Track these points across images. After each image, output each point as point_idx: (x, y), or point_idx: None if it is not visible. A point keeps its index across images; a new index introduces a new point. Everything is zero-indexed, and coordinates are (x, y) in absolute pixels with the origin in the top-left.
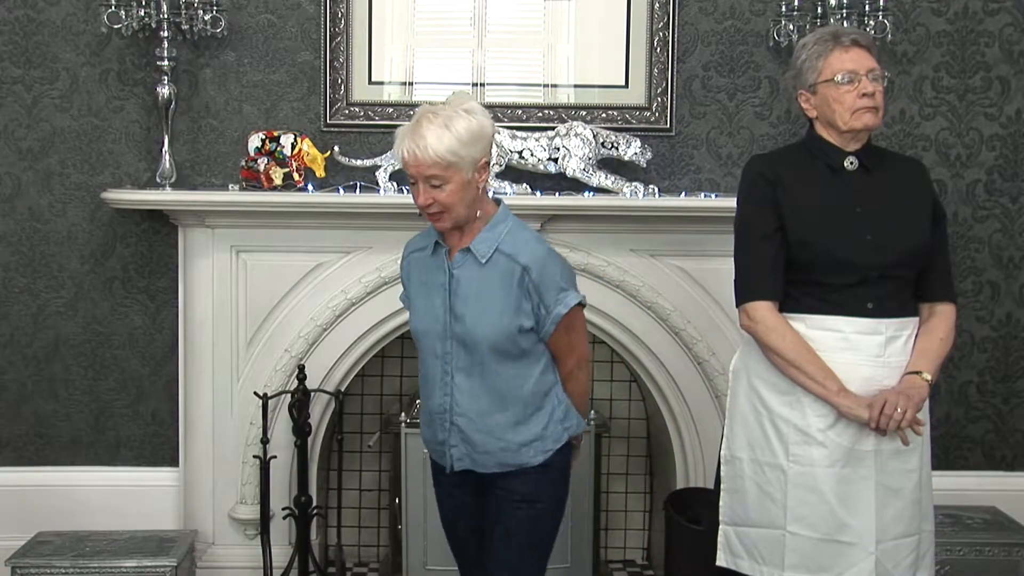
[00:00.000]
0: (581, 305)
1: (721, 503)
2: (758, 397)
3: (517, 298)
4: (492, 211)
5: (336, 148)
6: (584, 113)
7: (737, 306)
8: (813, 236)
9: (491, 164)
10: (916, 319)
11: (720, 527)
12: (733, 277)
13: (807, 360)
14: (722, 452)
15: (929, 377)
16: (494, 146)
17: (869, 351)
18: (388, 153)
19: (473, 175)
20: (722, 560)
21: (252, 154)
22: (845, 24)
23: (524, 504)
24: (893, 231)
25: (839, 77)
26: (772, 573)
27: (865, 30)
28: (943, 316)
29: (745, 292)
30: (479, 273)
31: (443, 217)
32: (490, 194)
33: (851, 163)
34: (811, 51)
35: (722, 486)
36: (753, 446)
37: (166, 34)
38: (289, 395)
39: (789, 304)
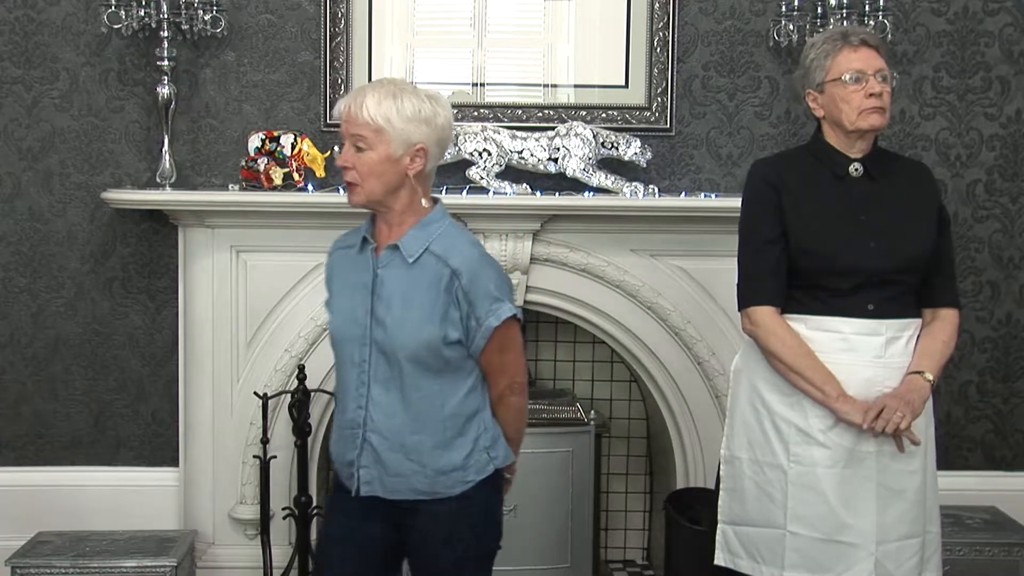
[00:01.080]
0: (517, 320)
1: (720, 502)
2: (759, 397)
3: (444, 305)
4: (427, 210)
5: (336, 148)
6: (584, 113)
7: (739, 310)
8: (815, 244)
9: (433, 160)
10: (918, 320)
11: (719, 526)
12: (736, 280)
13: (807, 365)
14: (722, 451)
15: (931, 377)
16: (494, 145)
17: (869, 352)
18: None
19: (404, 158)
20: (720, 559)
21: (252, 154)
22: (845, 24)
23: (445, 548)
24: (897, 238)
25: (847, 76)
26: (772, 573)
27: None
28: (946, 320)
29: (748, 296)
30: (406, 274)
31: (356, 190)
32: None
33: (856, 170)
34: (820, 50)
35: (721, 485)
36: (753, 446)
37: (166, 34)
38: (289, 395)
39: (790, 305)
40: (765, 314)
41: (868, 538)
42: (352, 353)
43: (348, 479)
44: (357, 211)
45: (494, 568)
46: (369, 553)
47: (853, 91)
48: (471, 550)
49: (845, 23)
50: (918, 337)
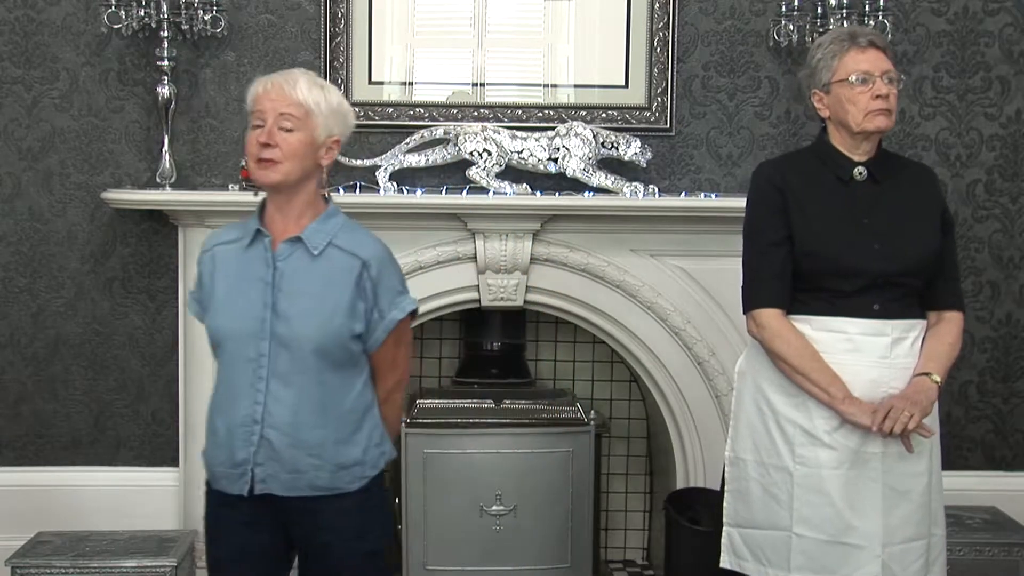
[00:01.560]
0: (414, 315)
1: (725, 504)
2: (764, 399)
3: (352, 298)
4: (325, 205)
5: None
6: (584, 113)
7: (744, 312)
8: (819, 246)
9: (334, 159)
10: (923, 321)
11: (724, 528)
12: (741, 282)
13: (812, 367)
14: (727, 453)
15: (939, 379)
16: (494, 145)
17: (875, 352)
18: (388, 153)
19: (321, 147)
20: (726, 562)
21: None
22: (845, 24)
23: (358, 542)
24: (900, 241)
25: (853, 78)
26: (778, 575)
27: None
28: (951, 323)
29: (752, 299)
30: (310, 266)
31: (276, 168)
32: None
33: (860, 174)
34: (827, 50)
35: (726, 487)
36: (759, 448)
37: (166, 34)
38: None
39: (795, 306)
40: (770, 316)
41: (874, 540)
42: (245, 349)
43: (234, 481)
44: (358, 211)
45: (494, 568)
46: (264, 564)
47: (859, 92)
48: (380, 542)
49: (845, 23)
50: (924, 339)
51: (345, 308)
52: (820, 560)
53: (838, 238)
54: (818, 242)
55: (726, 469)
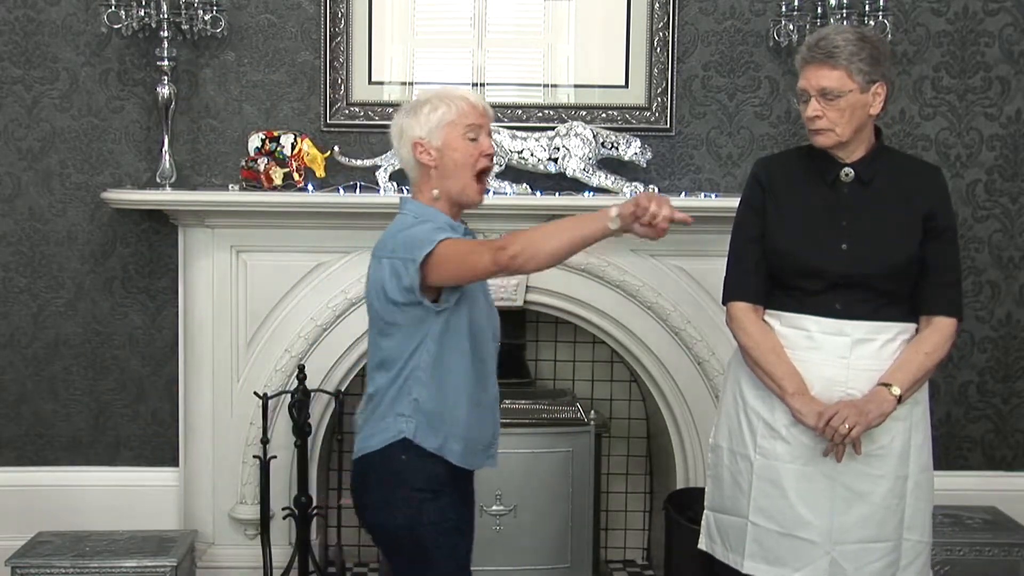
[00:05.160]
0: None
1: (706, 489)
2: (739, 389)
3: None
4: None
5: (336, 148)
6: (584, 113)
7: (723, 304)
8: (786, 245)
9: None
10: (898, 325)
11: (704, 512)
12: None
13: (769, 360)
14: (710, 440)
15: (898, 392)
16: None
17: (834, 351)
18: (388, 153)
19: None
20: (703, 544)
21: (252, 154)
22: (845, 23)
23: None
24: (874, 243)
25: (799, 95)
26: (736, 560)
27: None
28: (936, 329)
29: (728, 291)
30: None
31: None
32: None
33: (846, 175)
34: (798, 57)
35: (707, 473)
36: (731, 436)
37: (166, 34)
38: (289, 395)
39: (772, 301)
40: (739, 309)
41: (825, 536)
42: (493, 333)
43: (480, 458)
44: (358, 211)
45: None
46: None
47: (803, 109)
48: None
49: (845, 23)
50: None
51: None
52: (773, 551)
53: (806, 238)
54: (786, 241)
55: (709, 455)
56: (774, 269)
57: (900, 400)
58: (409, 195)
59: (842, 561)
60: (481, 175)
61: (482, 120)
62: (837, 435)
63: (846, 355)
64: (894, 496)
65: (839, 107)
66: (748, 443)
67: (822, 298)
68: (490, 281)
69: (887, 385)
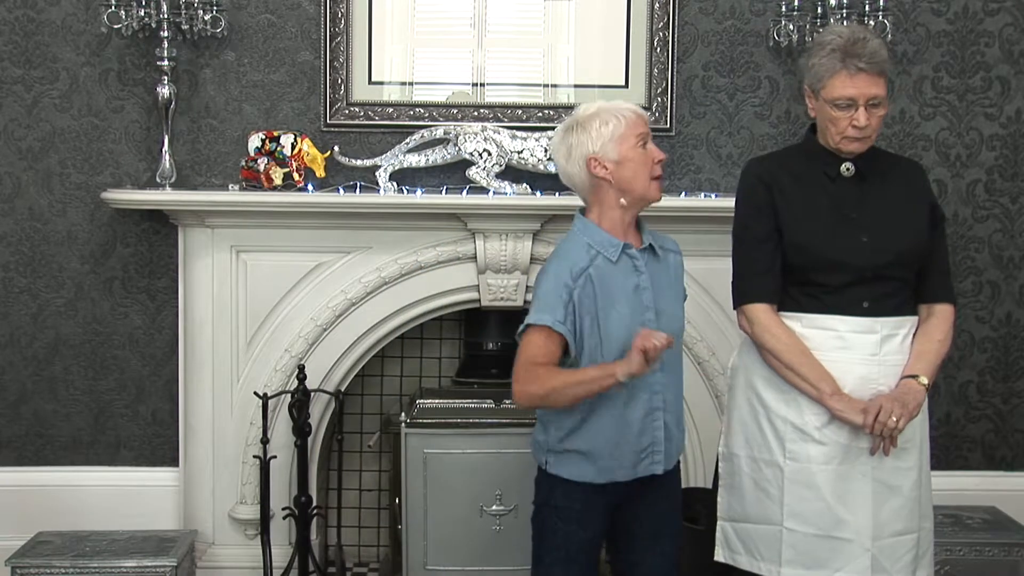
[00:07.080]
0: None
1: (719, 499)
2: (756, 395)
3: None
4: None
5: (336, 148)
6: None
7: (734, 308)
8: (808, 239)
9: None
10: (914, 318)
11: (718, 523)
12: (731, 279)
13: (801, 362)
14: (720, 449)
15: (926, 381)
16: (494, 145)
17: (864, 350)
18: (388, 153)
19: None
20: (720, 556)
21: (252, 154)
22: (845, 24)
23: (678, 513)
24: (889, 233)
25: (838, 102)
26: (770, 569)
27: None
28: (941, 317)
29: (742, 294)
30: (658, 268)
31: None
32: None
33: (847, 169)
34: (822, 62)
35: (720, 483)
36: (751, 443)
37: (166, 34)
38: (289, 395)
39: (786, 303)
40: (760, 311)
41: (864, 534)
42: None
43: (624, 469)
44: (358, 211)
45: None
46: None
47: (841, 116)
48: None
49: (845, 23)
50: (915, 335)
51: (683, 298)
52: (811, 554)
53: (826, 232)
54: (806, 235)
55: (719, 464)
56: (793, 267)
57: (927, 389)
58: (580, 211)
59: (880, 557)
60: (657, 177)
61: (647, 128)
62: (886, 429)
63: (876, 352)
64: (918, 487)
65: (879, 114)
66: (775, 449)
67: (846, 295)
68: (489, 281)
69: (914, 376)
